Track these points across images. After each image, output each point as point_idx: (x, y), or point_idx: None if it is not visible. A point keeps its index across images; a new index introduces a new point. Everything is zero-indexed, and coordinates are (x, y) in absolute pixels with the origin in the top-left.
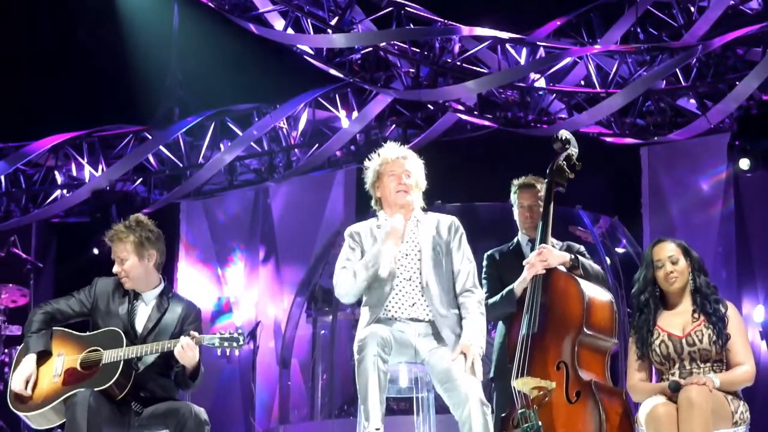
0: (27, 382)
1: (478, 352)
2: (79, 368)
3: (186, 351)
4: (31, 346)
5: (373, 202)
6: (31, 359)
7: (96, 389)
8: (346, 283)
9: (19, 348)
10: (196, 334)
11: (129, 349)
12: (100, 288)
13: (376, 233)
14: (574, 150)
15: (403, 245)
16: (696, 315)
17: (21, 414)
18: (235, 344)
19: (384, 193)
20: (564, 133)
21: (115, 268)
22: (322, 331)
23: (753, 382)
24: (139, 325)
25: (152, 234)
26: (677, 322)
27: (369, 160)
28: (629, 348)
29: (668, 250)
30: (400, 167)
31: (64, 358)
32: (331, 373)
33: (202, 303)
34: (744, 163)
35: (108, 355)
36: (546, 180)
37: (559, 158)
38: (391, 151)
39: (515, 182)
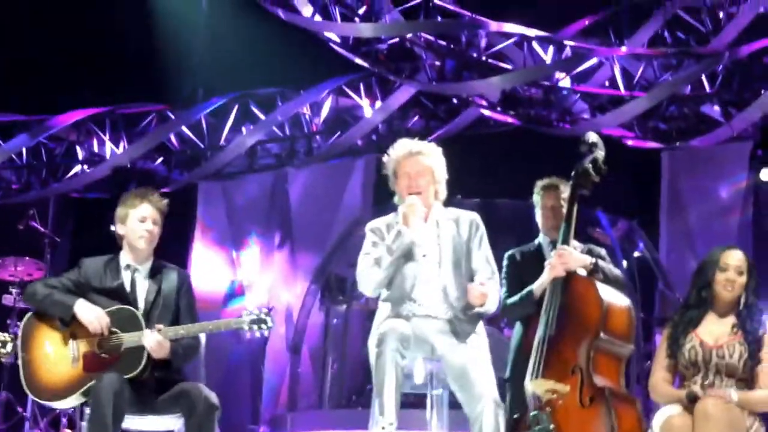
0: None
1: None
2: (97, 352)
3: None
4: (66, 299)
5: (395, 199)
6: (85, 303)
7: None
8: (369, 271)
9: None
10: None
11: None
12: (90, 267)
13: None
14: (600, 153)
15: (423, 247)
16: (735, 329)
17: (43, 402)
18: (264, 326)
19: (399, 190)
20: (591, 136)
21: (148, 226)
22: (335, 320)
23: None
24: (141, 300)
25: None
26: (714, 331)
27: (391, 150)
28: (660, 343)
29: (738, 258)
30: (411, 165)
31: (78, 340)
32: (342, 363)
33: (215, 285)
34: (765, 174)
35: (129, 339)
36: (570, 182)
37: (585, 161)
38: (403, 148)
39: (539, 183)
